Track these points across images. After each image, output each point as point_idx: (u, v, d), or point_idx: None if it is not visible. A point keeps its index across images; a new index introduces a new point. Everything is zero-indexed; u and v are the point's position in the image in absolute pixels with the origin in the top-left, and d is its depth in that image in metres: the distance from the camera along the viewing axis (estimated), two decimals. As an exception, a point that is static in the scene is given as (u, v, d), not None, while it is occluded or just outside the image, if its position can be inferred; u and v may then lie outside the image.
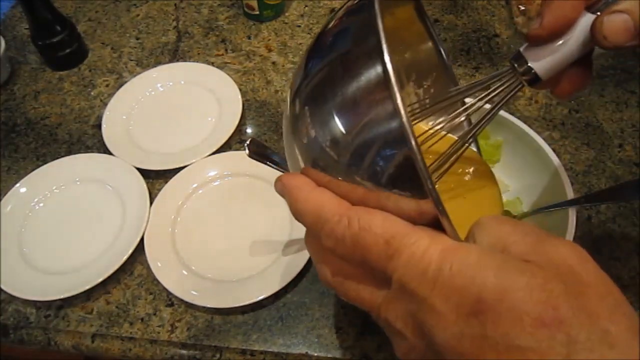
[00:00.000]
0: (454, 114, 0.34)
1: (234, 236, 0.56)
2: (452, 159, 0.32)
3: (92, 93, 0.73)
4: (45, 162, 0.63)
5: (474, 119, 0.37)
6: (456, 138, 0.34)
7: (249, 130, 0.67)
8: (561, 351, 0.17)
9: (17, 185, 0.61)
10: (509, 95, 0.30)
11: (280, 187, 0.25)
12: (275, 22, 0.80)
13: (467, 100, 0.37)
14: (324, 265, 0.24)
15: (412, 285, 0.20)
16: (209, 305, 0.50)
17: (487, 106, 0.33)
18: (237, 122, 0.65)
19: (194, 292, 0.51)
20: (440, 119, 0.36)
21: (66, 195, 0.61)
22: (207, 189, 0.60)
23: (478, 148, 0.42)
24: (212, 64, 0.74)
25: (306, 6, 0.82)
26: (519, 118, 0.51)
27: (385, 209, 0.21)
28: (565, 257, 0.19)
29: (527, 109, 0.66)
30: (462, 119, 0.36)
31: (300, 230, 0.54)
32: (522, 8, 0.74)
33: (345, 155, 0.23)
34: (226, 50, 0.76)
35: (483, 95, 0.31)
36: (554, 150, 0.49)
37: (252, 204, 0.58)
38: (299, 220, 0.24)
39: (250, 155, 0.44)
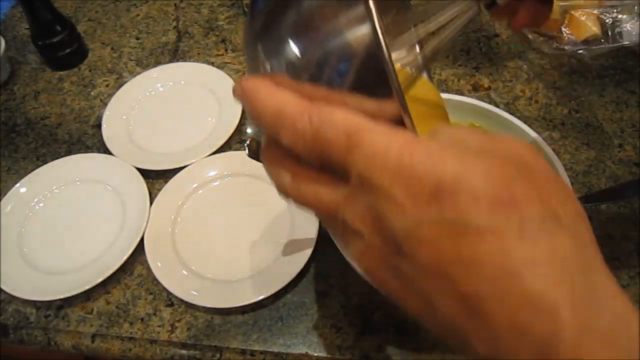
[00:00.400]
0: (407, 36, 0.33)
1: (234, 236, 0.56)
2: (405, 85, 0.32)
3: (92, 93, 0.73)
4: (45, 162, 0.63)
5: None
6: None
7: (249, 130, 0.67)
8: (515, 230, 0.17)
9: (17, 185, 0.61)
10: (466, 18, 0.30)
11: (239, 91, 0.24)
12: (275, 22, 0.80)
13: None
14: (281, 172, 0.24)
15: (372, 177, 0.19)
16: (209, 305, 0.50)
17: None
18: (237, 122, 0.65)
19: (194, 292, 0.51)
20: (400, 52, 0.35)
21: (66, 195, 0.61)
22: (207, 189, 0.60)
23: (430, 78, 0.42)
24: (212, 64, 0.74)
25: (306, 6, 0.82)
26: (519, 118, 0.51)
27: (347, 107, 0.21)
28: (518, 148, 0.20)
29: (527, 109, 0.66)
30: (418, 49, 0.35)
31: (300, 230, 0.54)
32: (522, 8, 0.74)
33: (310, 53, 0.22)
34: (226, 50, 0.76)
35: (441, 19, 0.31)
36: (554, 150, 0.49)
37: (252, 204, 0.58)
38: (257, 124, 0.23)
39: (250, 155, 0.44)
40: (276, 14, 0.23)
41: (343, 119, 0.20)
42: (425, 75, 0.39)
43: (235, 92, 0.24)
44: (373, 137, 0.20)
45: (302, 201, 0.23)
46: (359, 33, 0.21)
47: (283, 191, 0.24)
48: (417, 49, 0.35)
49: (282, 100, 0.22)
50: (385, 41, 0.20)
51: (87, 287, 0.51)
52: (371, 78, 0.21)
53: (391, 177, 0.19)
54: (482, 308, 0.18)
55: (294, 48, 0.23)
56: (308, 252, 0.52)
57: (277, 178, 0.24)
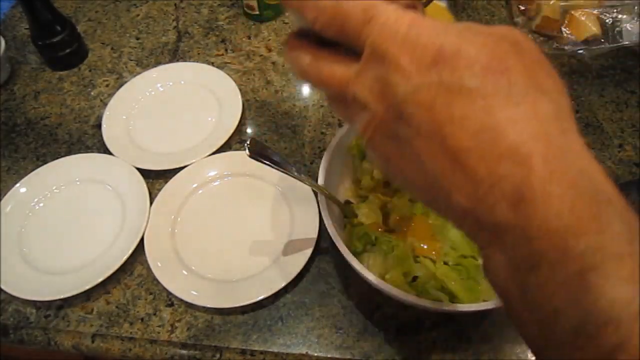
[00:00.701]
0: None
1: (234, 236, 0.56)
2: None
3: (92, 93, 0.73)
4: (45, 162, 0.63)
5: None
6: None
7: (249, 130, 0.67)
8: (502, 93, 0.20)
9: (17, 185, 0.61)
10: None
11: None
12: (275, 22, 0.80)
13: None
14: (302, 54, 0.26)
15: (383, 46, 0.21)
16: (209, 305, 0.50)
17: None
18: (237, 122, 0.65)
19: (194, 292, 0.51)
20: None
21: (66, 195, 0.61)
22: (207, 189, 0.60)
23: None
24: (212, 64, 0.74)
25: (306, 6, 0.82)
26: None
27: None
28: (514, 32, 0.22)
29: (527, 109, 0.66)
30: None
31: (300, 230, 0.54)
32: (522, 8, 0.74)
33: None
34: (226, 50, 0.76)
35: None
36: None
37: (252, 204, 0.58)
38: (286, 6, 0.25)
39: (250, 155, 0.44)
40: None
41: None
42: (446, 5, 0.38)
43: None
44: (387, 13, 0.22)
45: (318, 78, 0.25)
46: None
47: (301, 71, 0.26)
48: None
49: None
50: None
51: (87, 287, 0.51)
52: None
53: (400, 46, 0.21)
54: (466, 161, 0.20)
55: None
56: (308, 252, 0.52)
57: (297, 60, 0.26)
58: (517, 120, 0.19)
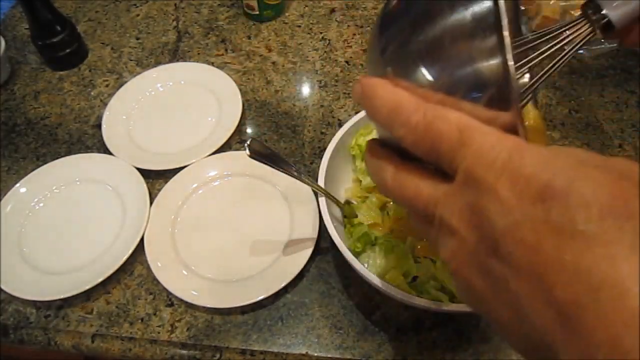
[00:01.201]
0: (521, 62, 0.34)
1: (234, 236, 0.56)
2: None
3: (92, 93, 0.73)
4: (45, 162, 0.63)
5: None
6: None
7: (249, 130, 0.67)
8: (627, 241, 0.16)
9: (17, 185, 0.61)
10: (580, 43, 0.29)
11: (359, 88, 0.24)
12: (275, 22, 0.80)
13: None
14: (385, 165, 0.24)
15: (479, 173, 0.19)
16: (209, 305, 0.50)
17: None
18: (237, 122, 0.65)
19: (194, 292, 0.51)
20: None
21: (66, 195, 0.61)
22: (207, 189, 0.60)
23: (536, 102, 0.40)
24: (212, 64, 0.74)
25: (306, 6, 0.82)
26: (519, 118, 0.51)
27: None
28: (633, 167, 0.18)
29: (527, 109, 0.66)
30: (526, 69, 0.35)
31: (300, 230, 0.54)
32: (522, 8, 0.74)
33: (434, 62, 0.23)
34: (226, 50, 0.76)
35: (553, 43, 0.30)
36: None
37: (252, 204, 0.58)
38: (373, 119, 0.24)
39: (250, 155, 0.44)
40: (408, 39, 0.24)
41: (457, 117, 0.21)
42: (531, 103, 0.39)
43: (354, 91, 0.24)
44: (484, 136, 0.20)
45: (401, 194, 0.23)
46: (489, 62, 0.22)
47: (383, 184, 0.24)
48: (527, 75, 0.35)
49: (400, 96, 0.22)
50: (512, 70, 0.21)
51: (87, 287, 0.51)
52: (495, 87, 0.22)
53: (499, 174, 0.19)
54: (580, 319, 0.16)
55: (426, 75, 0.23)
56: (308, 252, 0.52)
57: (379, 171, 0.24)
58: None
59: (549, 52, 0.31)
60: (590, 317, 0.16)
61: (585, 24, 0.29)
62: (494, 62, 0.22)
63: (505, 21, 0.21)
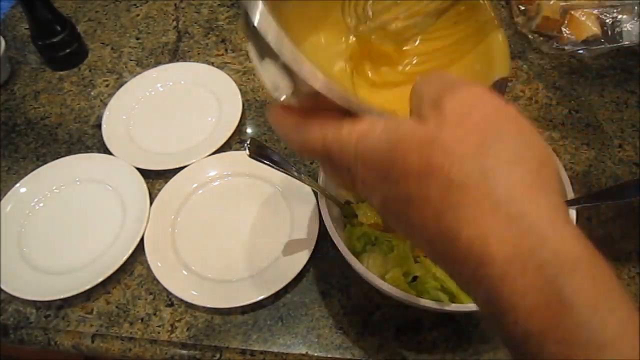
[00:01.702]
0: None
1: (234, 236, 0.56)
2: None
3: (92, 93, 0.73)
4: (45, 162, 0.63)
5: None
6: None
7: (249, 130, 0.67)
8: (437, 194, 0.21)
9: (17, 185, 0.61)
10: None
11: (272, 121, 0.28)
12: (275, 22, 0.80)
13: None
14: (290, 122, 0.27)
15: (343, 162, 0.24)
16: (209, 305, 0.50)
17: None
18: (237, 122, 0.65)
19: (194, 292, 0.51)
20: None
21: (66, 195, 0.61)
22: (207, 189, 0.60)
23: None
24: (212, 64, 0.74)
25: (306, 6, 0.82)
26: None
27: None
28: (468, 101, 0.23)
29: (527, 109, 0.66)
30: None
31: (300, 230, 0.54)
32: (522, 8, 0.74)
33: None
34: (226, 50, 0.76)
35: None
36: (554, 150, 0.49)
37: (252, 204, 0.58)
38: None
39: (250, 155, 0.44)
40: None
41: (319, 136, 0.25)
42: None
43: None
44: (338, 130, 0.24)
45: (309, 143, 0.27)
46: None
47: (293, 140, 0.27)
48: None
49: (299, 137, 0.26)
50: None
51: (87, 287, 0.51)
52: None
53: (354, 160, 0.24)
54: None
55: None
56: (308, 252, 0.52)
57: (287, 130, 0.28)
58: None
59: None
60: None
61: None
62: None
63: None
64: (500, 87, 0.31)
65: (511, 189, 0.20)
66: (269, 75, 0.25)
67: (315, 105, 0.25)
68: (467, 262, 0.21)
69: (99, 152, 0.65)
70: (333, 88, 0.23)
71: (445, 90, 0.23)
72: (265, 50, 0.24)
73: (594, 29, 0.69)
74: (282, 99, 0.25)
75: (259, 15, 0.23)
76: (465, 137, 0.21)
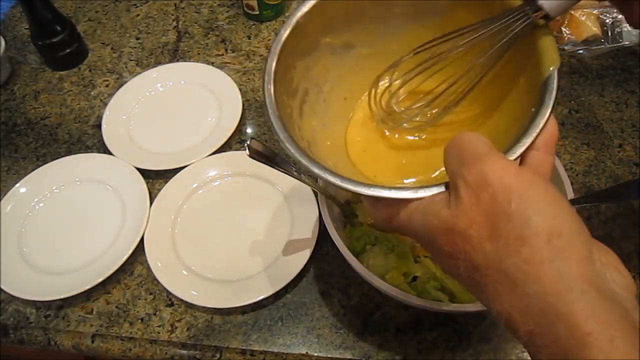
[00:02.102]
0: (452, 45, 0.35)
1: (234, 236, 0.56)
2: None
3: (92, 93, 0.73)
4: (45, 162, 0.63)
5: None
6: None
7: (249, 130, 0.67)
8: (465, 273, 0.25)
9: (17, 185, 0.61)
10: (515, 31, 0.32)
11: None
12: (275, 22, 0.80)
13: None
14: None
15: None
16: (209, 305, 0.50)
17: None
18: (237, 122, 0.65)
19: (194, 292, 0.51)
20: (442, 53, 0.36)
21: (66, 195, 0.61)
22: (207, 189, 0.60)
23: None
24: (212, 64, 0.74)
25: (306, 6, 0.82)
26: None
27: None
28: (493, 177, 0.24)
29: (527, 109, 0.65)
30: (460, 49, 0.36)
31: (300, 230, 0.54)
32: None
33: None
34: (226, 50, 0.76)
35: (490, 28, 0.33)
36: (554, 150, 0.49)
37: (252, 204, 0.58)
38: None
39: (250, 155, 0.44)
40: None
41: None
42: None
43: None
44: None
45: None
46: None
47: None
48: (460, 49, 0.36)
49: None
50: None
51: (87, 287, 0.51)
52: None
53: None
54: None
55: None
56: (308, 252, 0.52)
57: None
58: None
59: (474, 39, 0.34)
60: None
61: (522, 15, 0.31)
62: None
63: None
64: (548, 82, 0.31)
65: (522, 266, 0.22)
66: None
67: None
68: (507, 329, 0.24)
69: (99, 152, 0.65)
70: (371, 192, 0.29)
71: (461, 167, 0.25)
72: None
73: (594, 29, 0.69)
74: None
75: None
76: (479, 220, 0.24)
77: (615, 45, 0.69)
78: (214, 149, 0.62)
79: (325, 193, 0.48)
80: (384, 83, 0.41)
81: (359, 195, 0.29)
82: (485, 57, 0.34)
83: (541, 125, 0.28)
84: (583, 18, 0.69)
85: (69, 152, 0.65)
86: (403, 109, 0.41)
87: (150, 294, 0.53)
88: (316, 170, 0.31)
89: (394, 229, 0.29)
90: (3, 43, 0.73)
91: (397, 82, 0.40)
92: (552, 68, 0.31)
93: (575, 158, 0.60)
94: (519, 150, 0.28)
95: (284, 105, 0.35)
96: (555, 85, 0.30)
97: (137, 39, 0.80)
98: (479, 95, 0.37)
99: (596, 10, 0.69)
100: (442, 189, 0.27)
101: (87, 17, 0.83)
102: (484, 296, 0.24)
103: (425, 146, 0.40)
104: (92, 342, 0.51)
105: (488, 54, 0.33)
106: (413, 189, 0.28)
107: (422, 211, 0.27)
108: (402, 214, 0.28)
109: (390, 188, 0.29)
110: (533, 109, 0.30)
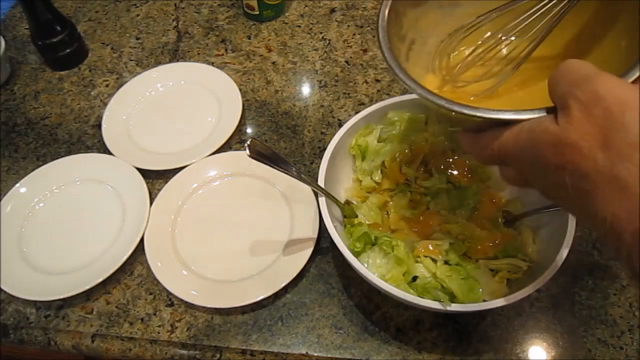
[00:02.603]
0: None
1: (233, 236, 0.56)
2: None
3: (92, 93, 0.73)
4: (45, 162, 0.63)
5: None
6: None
7: (249, 130, 0.67)
8: (572, 183, 0.26)
9: (17, 185, 0.61)
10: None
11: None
12: (275, 22, 0.80)
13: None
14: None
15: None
16: (209, 305, 0.50)
17: None
18: (237, 122, 0.65)
19: (194, 292, 0.51)
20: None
21: (66, 195, 0.61)
22: (207, 189, 0.60)
23: None
24: (212, 64, 0.74)
25: (306, 6, 0.82)
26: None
27: None
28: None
29: (527, 109, 0.66)
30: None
31: (300, 230, 0.54)
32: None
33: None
34: (226, 50, 0.76)
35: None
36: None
37: (252, 204, 0.58)
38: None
39: (250, 155, 0.44)
40: None
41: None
42: None
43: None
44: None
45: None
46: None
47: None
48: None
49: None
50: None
51: (87, 287, 0.51)
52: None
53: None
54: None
55: None
56: (308, 252, 0.52)
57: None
58: None
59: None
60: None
61: None
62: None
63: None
64: None
65: (634, 170, 0.24)
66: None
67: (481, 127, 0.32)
68: (607, 237, 0.25)
69: (99, 152, 0.65)
70: (485, 113, 0.30)
71: (572, 87, 0.26)
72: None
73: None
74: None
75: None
76: (590, 132, 0.25)
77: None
78: (214, 149, 0.62)
79: (325, 193, 0.48)
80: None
81: (477, 119, 0.31)
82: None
83: None
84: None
85: (69, 152, 0.65)
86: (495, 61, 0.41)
87: (150, 294, 0.53)
88: (429, 95, 0.33)
89: (496, 154, 0.31)
90: (3, 43, 0.73)
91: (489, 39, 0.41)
92: None
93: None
94: (636, 73, 0.29)
95: (393, 46, 0.38)
96: None
97: (137, 39, 0.80)
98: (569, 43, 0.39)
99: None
100: (543, 113, 0.29)
101: (87, 17, 0.83)
102: (588, 203, 0.25)
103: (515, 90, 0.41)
104: (92, 342, 0.51)
105: None
106: (517, 111, 0.30)
107: (527, 130, 0.29)
108: (507, 136, 0.30)
109: (499, 111, 0.30)
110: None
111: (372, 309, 0.51)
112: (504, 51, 0.41)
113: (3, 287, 0.52)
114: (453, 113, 0.32)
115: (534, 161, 0.28)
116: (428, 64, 0.43)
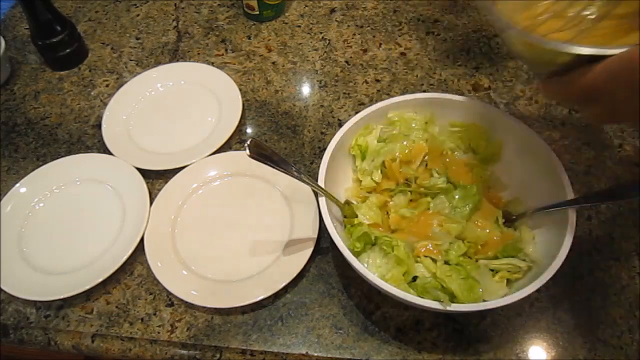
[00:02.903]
0: None
1: (234, 236, 0.56)
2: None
3: (92, 93, 0.73)
4: (45, 162, 0.63)
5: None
6: None
7: (249, 130, 0.67)
8: None
9: (17, 185, 0.61)
10: None
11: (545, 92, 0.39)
12: (275, 22, 0.80)
13: None
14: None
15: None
16: (209, 305, 0.50)
17: None
18: (237, 122, 0.65)
19: (194, 292, 0.51)
20: None
21: (66, 195, 0.61)
22: (207, 189, 0.60)
23: None
24: (212, 64, 0.74)
25: (306, 6, 0.82)
26: (519, 118, 0.52)
27: None
28: None
29: (527, 109, 0.66)
30: None
31: (300, 230, 0.54)
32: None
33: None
34: (226, 50, 0.76)
35: None
36: (554, 150, 0.49)
37: (252, 204, 0.58)
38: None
39: (250, 155, 0.44)
40: None
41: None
42: None
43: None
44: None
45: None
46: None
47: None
48: None
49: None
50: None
51: (87, 287, 0.51)
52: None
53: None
54: None
55: None
56: (308, 252, 0.52)
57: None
58: None
59: None
60: None
61: None
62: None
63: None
64: None
65: None
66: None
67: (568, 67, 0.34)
68: None
69: (99, 152, 0.65)
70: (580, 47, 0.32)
71: None
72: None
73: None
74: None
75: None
76: None
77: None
78: (214, 149, 0.62)
79: (325, 193, 0.48)
80: None
81: (582, 54, 0.32)
82: None
83: None
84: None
85: (69, 152, 0.65)
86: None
87: (150, 294, 0.53)
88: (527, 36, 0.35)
89: (586, 90, 0.33)
90: (3, 43, 0.73)
91: None
92: None
93: (575, 158, 0.60)
94: None
95: None
96: None
97: (137, 39, 0.80)
98: None
99: None
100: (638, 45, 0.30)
101: (87, 17, 0.83)
102: None
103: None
104: (92, 342, 0.51)
105: None
106: (617, 46, 0.31)
107: (619, 57, 0.30)
108: (598, 69, 0.32)
109: (602, 47, 0.32)
110: None
111: (372, 309, 0.51)
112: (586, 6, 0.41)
113: (3, 287, 0.52)
114: (553, 50, 0.32)
115: (628, 87, 0.30)
116: (512, 14, 0.43)
